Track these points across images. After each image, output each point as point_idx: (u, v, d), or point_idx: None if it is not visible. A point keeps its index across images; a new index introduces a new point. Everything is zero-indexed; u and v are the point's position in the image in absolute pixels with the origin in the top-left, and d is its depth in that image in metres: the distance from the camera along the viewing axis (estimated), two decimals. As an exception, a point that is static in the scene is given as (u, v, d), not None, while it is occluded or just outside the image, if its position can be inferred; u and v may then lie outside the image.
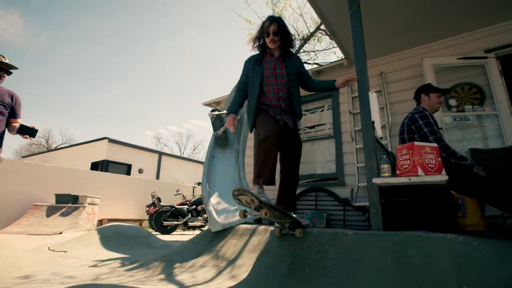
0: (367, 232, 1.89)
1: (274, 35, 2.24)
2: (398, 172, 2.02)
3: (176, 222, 7.03)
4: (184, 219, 7.15)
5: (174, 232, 7.25)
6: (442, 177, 1.83)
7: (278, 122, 2.20)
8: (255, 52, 2.40)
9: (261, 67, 2.27)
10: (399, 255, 1.61)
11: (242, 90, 2.36)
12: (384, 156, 2.20)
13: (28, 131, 2.45)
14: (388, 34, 3.78)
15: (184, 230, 8.03)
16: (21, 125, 2.43)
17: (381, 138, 2.96)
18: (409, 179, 1.89)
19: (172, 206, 7.27)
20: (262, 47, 2.34)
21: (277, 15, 2.36)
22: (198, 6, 48.09)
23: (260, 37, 2.32)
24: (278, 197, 2.25)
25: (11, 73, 2.48)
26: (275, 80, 2.23)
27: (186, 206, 7.50)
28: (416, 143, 1.96)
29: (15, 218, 5.94)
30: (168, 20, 51.27)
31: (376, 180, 2.08)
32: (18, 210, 6.14)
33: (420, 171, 1.86)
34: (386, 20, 3.48)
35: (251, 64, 2.32)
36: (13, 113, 2.48)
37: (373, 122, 2.37)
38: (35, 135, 2.49)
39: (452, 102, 3.65)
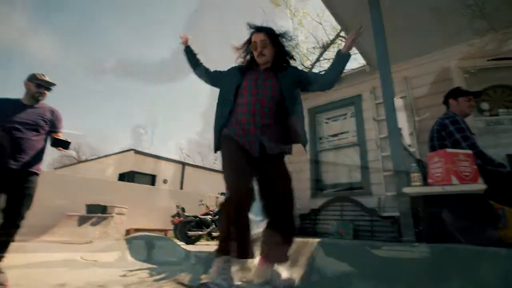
0: (399, 244, 1.81)
1: (263, 47, 1.86)
2: (430, 180, 1.94)
3: (200, 232, 7.07)
4: (208, 229, 7.17)
5: (198, 242, 7.30)
6: (479, 186, 1.74)
7: (250, 152, 1.76)
8: (237, 64, 2.04)
9: (240, 77, 1.91)
10: (434, 269, 1.53)
11: (208, 70, 2.10)
12: (414, 164, 2.12)
13: (61, 144, 2.59)
14: (410, 38, 3.68)
15: (208, 240, 8.08)
16: (55, 138, 2.57)
17: (409, 145, 2.86)
18: (443, 189, 1.81)
19: (196, 216, 7.33)
20: (250, 63, 1.98)
21: (265, 25, 1.93)
22: (214, 13, 49.38)
23: (247, 51, 1.97)
24: (261, 244, 1.72)
25: (51, 89, 2.65)
26: (254, 90, 1.82)
27: (210, 216, 7.54)
28: (447, 150, 1.88)
29: (49, 227, 6.23)
30: (189, 28, 52.86)
31: (407, 190, 2.01)
32: (51, 219, 6.42)
33: (454, 180, 1.78)
34: (409, 24, 3.40)
35: (231, 74, 1.98)
36: (53, 128, 2.64)
37: (400, 129, 2.30)
38: (68, 147, 2.62)
39: (484, 105, 3.48)
